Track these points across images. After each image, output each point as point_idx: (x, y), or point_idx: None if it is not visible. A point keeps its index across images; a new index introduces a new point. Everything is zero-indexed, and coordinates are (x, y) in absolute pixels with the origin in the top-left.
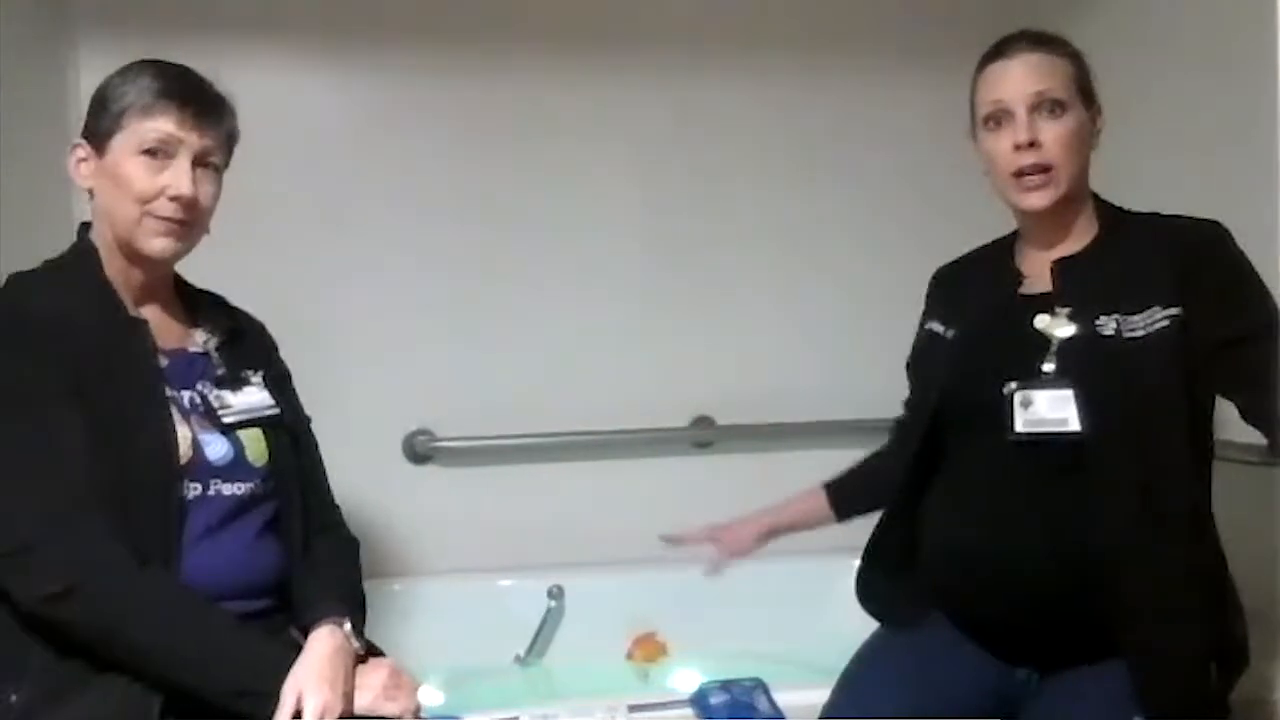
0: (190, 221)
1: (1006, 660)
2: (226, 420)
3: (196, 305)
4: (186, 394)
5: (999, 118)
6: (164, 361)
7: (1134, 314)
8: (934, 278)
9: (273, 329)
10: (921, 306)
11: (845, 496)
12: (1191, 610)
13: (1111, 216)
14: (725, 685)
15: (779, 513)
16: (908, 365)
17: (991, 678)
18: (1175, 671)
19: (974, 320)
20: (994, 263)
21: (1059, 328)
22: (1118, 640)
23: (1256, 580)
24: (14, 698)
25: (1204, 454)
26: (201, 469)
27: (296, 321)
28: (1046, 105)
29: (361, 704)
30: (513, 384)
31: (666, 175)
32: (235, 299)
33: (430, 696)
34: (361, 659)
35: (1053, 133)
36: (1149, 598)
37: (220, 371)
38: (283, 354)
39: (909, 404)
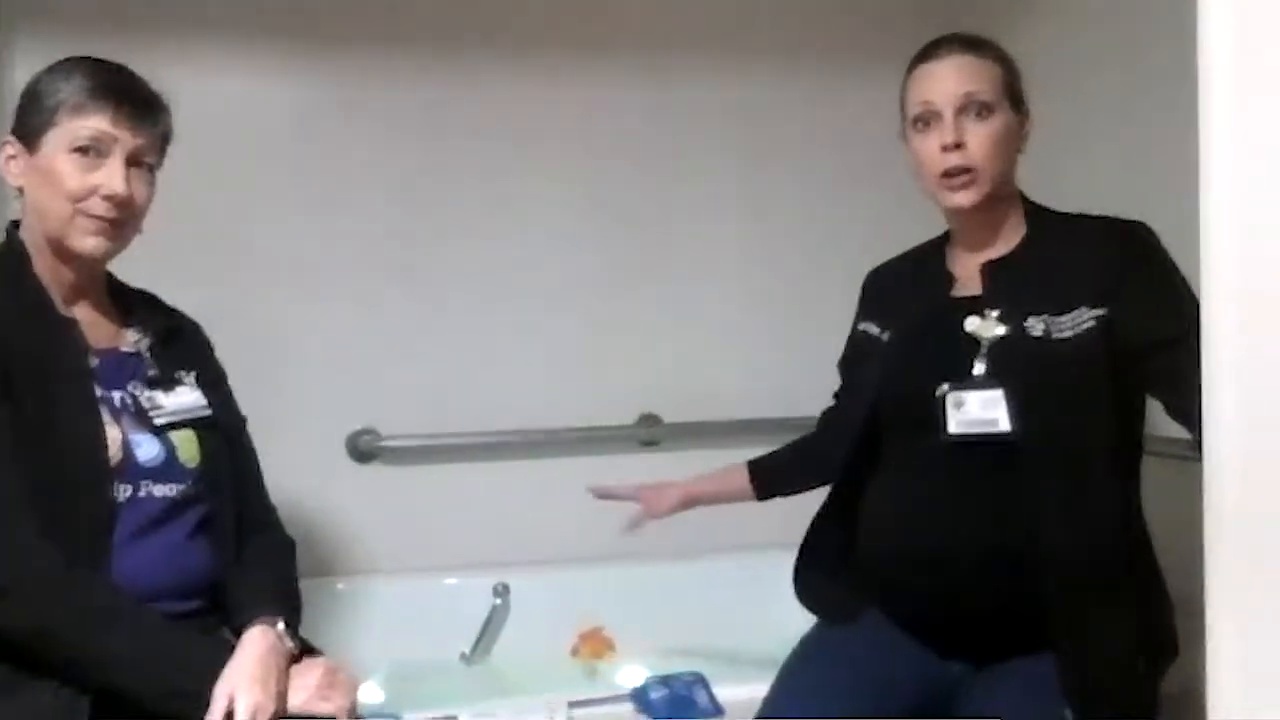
0: (123, 220)
1: (941, 654)
2: (158, 421)
3: (129, 304)
4: (118, 394)
5: (927, 119)
6: (95, 361)
7: (1062, 315)
8: (867, 278)
9: (213, 328)
10: (851, 306)
11: (767, 477)
12: (1120, 604)
13: (1039, 217)
14: (665, 680)
15: (702, 484)
16: (841, 362)
17: (926, 671)
18: (1103, 664)
19: (907, 323)
20: (926, 265)
21: (989, 330)
22: (1050, 631)
23: (1184, 573)
24: None
25: (1133, 449)
26: (132, 470)
27: (238, 321)
28: (974, 107)
29: (295, 703)
30: (458, 382)
31: (611, 173)
32: (175, 298)
33: (370, 694)
34: (296, 658)
35: (978, 135)
36: (1078, 592)
37: (152, 372)
38: (224, 353)
39: (841, 402)
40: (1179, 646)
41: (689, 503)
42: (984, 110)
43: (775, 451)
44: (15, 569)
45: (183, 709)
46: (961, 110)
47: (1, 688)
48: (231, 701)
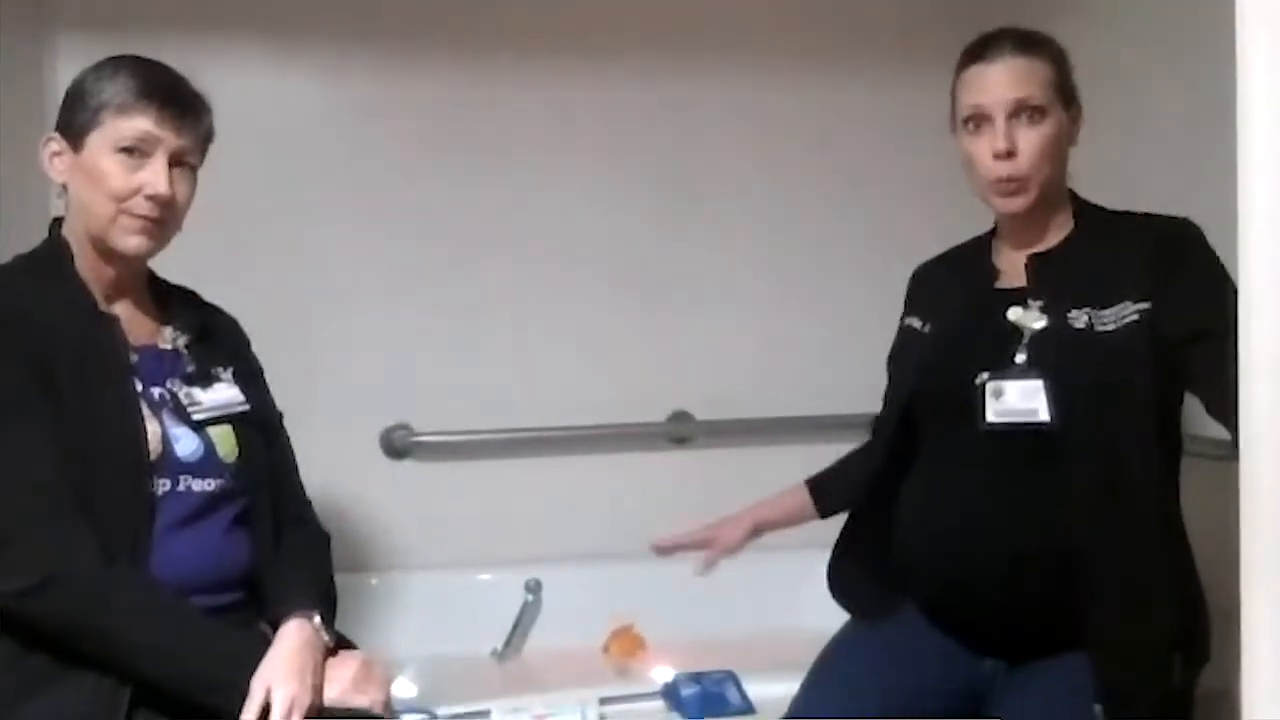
0: (165, 220)
1: (975, 651)
2: (196, 417)
3: (168, 302)
4: (156, 390)
5: (978, 121)
6: (134, 358)
7: (1105, 308)
8: (914, 275)
9: (249, 324)
10: (899, 303)
11: (828, 493)
12: (1156, 603)
13: (1087, 214)
14: (696, 677)
15: (765, 509)
16: (888, 360)
17: (960, 669)
18: (1138, 663)
19: (949, 314)
20: (971, 259)
21: (1031, 320)
22: (1085, 630)
23: (1220, 574)
24: None
25: (1172, 448)
26: (171, 465)
27: (274, 317)
28: (1026, 112)
29: (331, 696)
30: (492, 379)
31: (642, 172)
32: (211, 295)
33: (404, 689)
34: (332, 652)
35: (1030, 140)
36: (1115, 590)
37: (190, 368)
38: (259, 349)
39: (886, 398)
40: (1212, 648)
41: (758, 530)
42: (1036, 114)
43: (832, 466)
44: (56, 562)
45: (219, 701)
46: (1013, 115)
47: (43, 678)
48: (268, 694)
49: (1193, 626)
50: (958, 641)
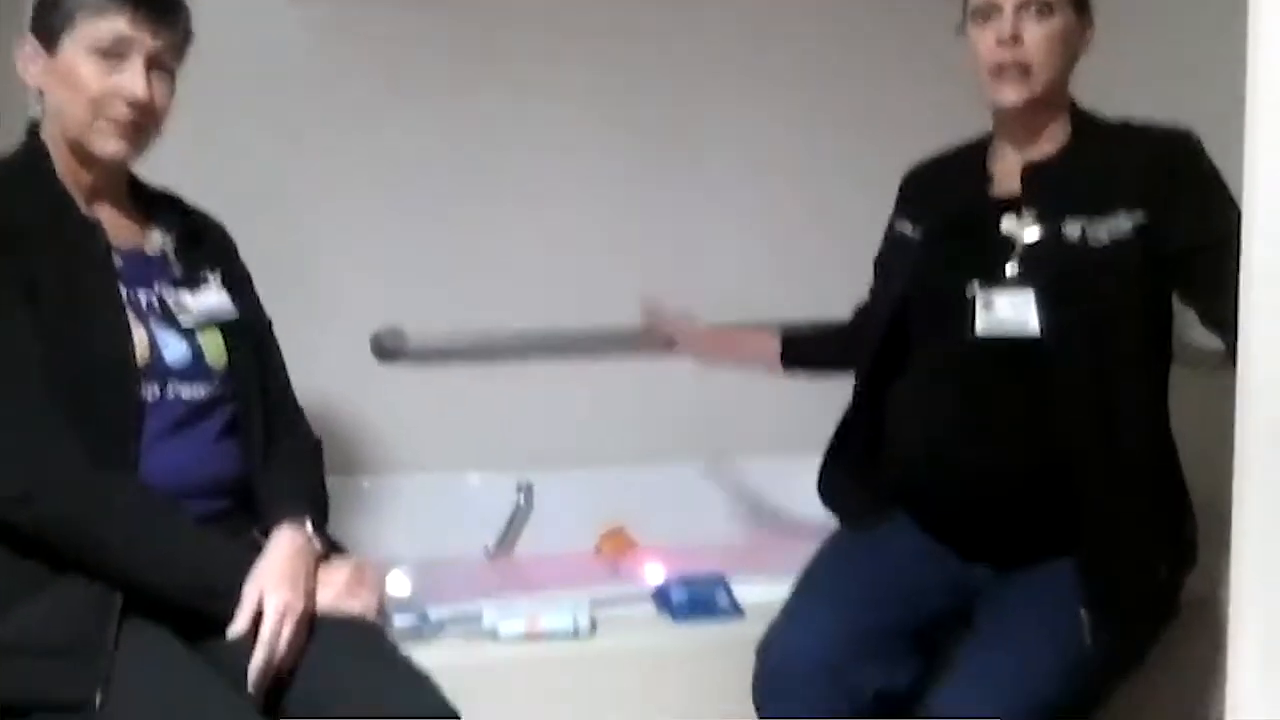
0: (144, 124)
1: (964, 557)
2: (184, 322)
3: (152, 205)
4: (143, 295)
5: (987, 12)
6: (119, 262)
7: (1100, 219)
8: (906, 176)
9: (236, 229)
10: (888, 208)
11: (796, 347)
12: (1143, 511)
13: (1085, 123)
14: (686, 581)
15: (733, 335)
16: (875, 263)
17: (949, 575)
18: (1124, 569)
19: (941, 221)
20: (965, 163)
21: (1024, 231)
22: (1073, 539)
23: (1208, 479)
24: None
25: (1163, 358)
26: (159, 371)
27: (263, 220)
28: (1035, 6)
29: (324, 602)
30: (484, 282)
31: (628, 77)
32: (198, 197)
33: (397, 584)
34: (324, 558)
35: (1036, 33)
36: (1103, 497)
37: (177, 273)
38: (250, 251)
39: (872, 299)
40: (1198, 554)
41: (718, 348)
42: (1045, 9)
43: (808, 329)
44: (44, 470)
45: (211, 607)
46: (1022, 7)
47: (34, 583)
48: (261, 600)
49: (1179, 533)
50: (947, 547)
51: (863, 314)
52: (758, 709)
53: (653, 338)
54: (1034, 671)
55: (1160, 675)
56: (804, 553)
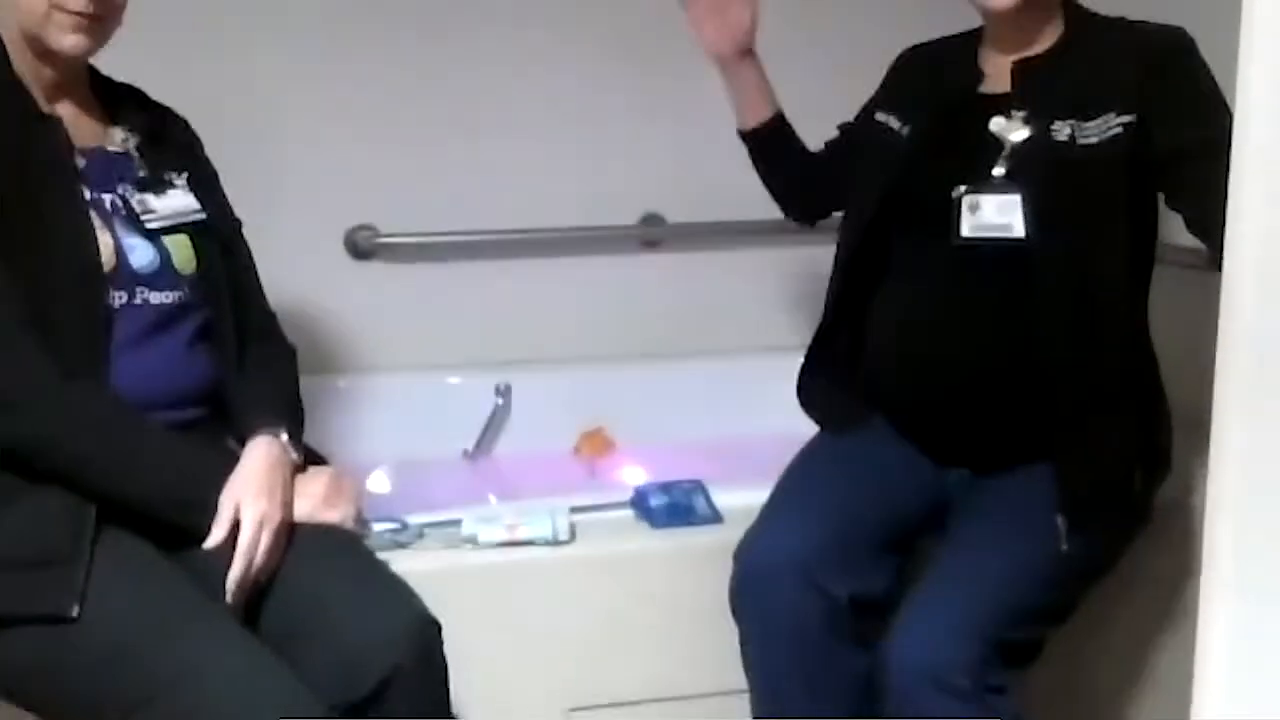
0: (103, 16)
1: (942, 462)
2: (150, 225)
3: (114, 101)
4: (107, 197)
5: None
6: (81, 162)
7: (1089, 120)
8: (898, 59)
9: (201, 124)
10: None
11: (772, 133)
12: (1121, 416)
13: (1079, 19)
14: (665, 487)
15: (753, 68)
16: (842, 125)
17: (926, 479)
18: (1100, 474)
19: (928, 118)
20: (956, 56)
21: (1013, 131)
22: (1049, 444)
23: (1186, 383)
24: None
25: (1145, 263)
26: (126, 277)
27: (230, 115)
28: None
29: (301, 513)
30: (459, 179)
31: None
32: (160, 92)
33: (377, 484)
34: (300, 468)
35: None
36: (1080, 403)
37: (142, 173)
38: (217, 149)
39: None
40: (1172, 460)
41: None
42: None
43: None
44: (13, 380)
45: (187, 519)
46: None
47: (7, 496)
48: (237, 511)
49: (1155, 439)
50: (925, 452)
51: (830, 149)
52: (734, 613)
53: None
54: (1008, 576)
55: (1132, 579)
56: (784, 455)
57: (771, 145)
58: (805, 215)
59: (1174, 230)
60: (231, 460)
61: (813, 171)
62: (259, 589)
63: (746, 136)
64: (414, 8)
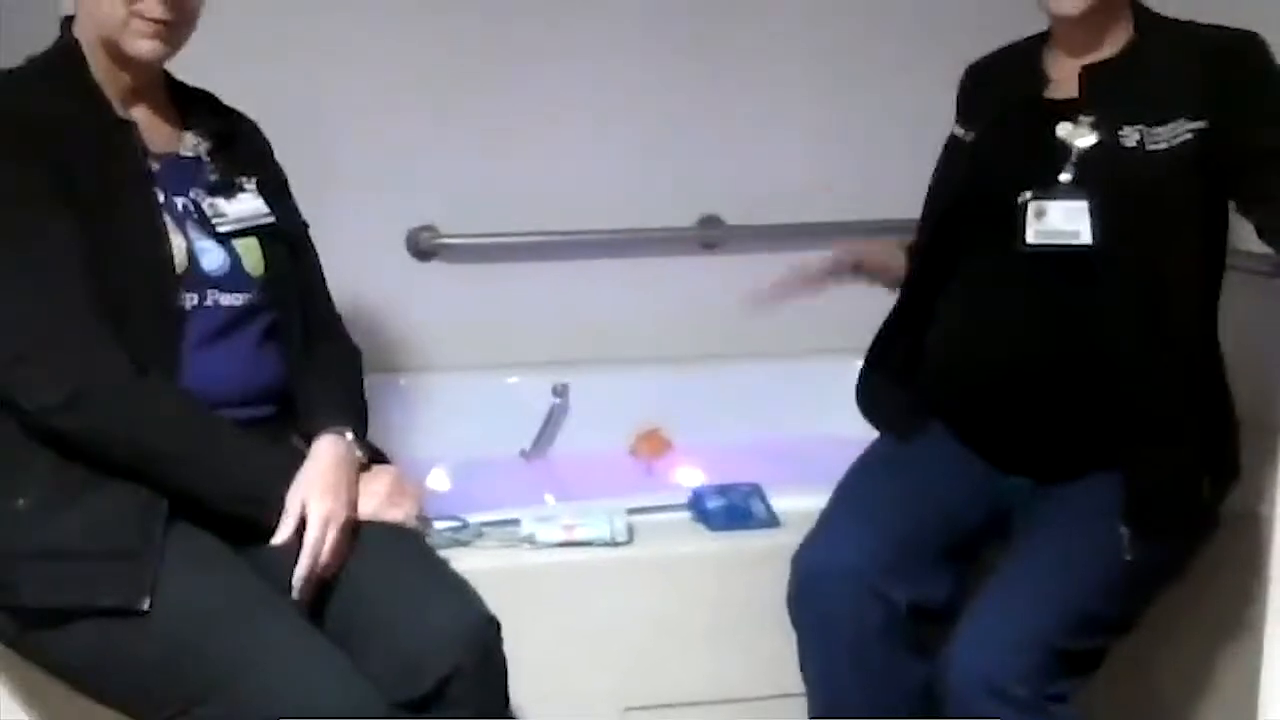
0: (178, 22)
1: (1004, 469)
2: (221, 229)
3: (187, 106)
4: (180, 200)
5: None
6: (155, 166)
7: (1158, 125)
8: (965, 74)
9: (269, 126)
10: (948, 100)
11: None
12: (1188, 425)
13: (1148, 23)
14: (722, 489)
15: (866, 245)
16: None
17: (988, 487)
18: (1166, 484)
19: (994, 124)
20: (1020, 63)
21: (1080, 137)
22: (1114, 452)
23: (1256, 388)
24: (21, 502)
25: (1215, 270)
26: (198, 279)
27: (295, 117)
28: None
29: (365, 511)
30: (519, 180)
31: None
32: (228, 96)
33: (437, 481)
34: (364, 467)
35: None
36: (1147, 411)
37: (213, 177)
38: (281, 150)
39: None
40: (1241, 468)
41: (857, 267)
42: None
43: None
44: (87, 374)
45: (254, 515)
46: None
47: (82, 487)
48: (304, 509)
49: (1224, 447)
50: (986, 459)
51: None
52: (792, 619)
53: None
54: (1071, 585)
55: (1199, 589)
56: (842, 458)
57: None
58: None
59: (1243, 235)
60: (298, 458)
61: None
62: (324, 586)
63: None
64: (476, 6)
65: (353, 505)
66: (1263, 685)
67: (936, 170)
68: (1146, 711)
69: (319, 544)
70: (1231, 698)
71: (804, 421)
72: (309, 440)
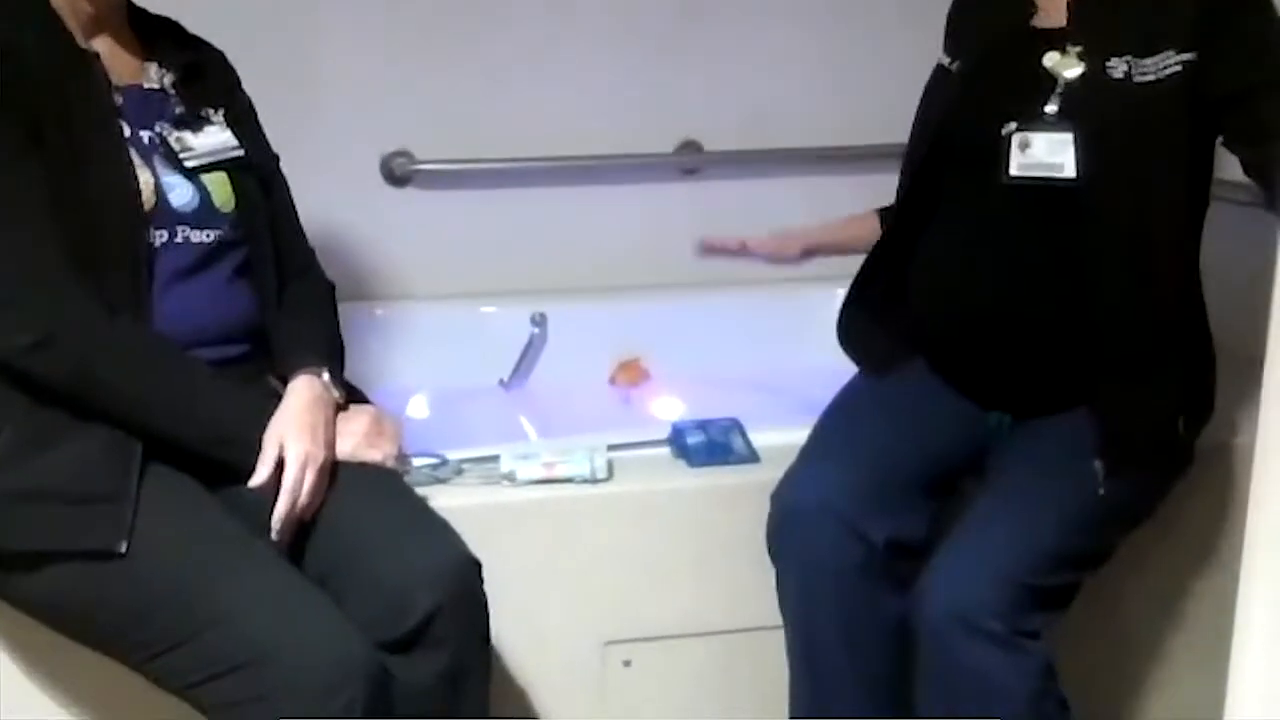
0: None
1: (982, 404)
2: (189, 164)
3: (151, 36)
4: (145, 134)
5: None
6: (119, 99)
7: (1147, 57)
8: (953, 3)
9: (234, 50)
10: (934, 22)
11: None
12: (1167, 362)
13: None
14: (702, 425)
15: (826, 232)
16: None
17: (966, 422)
18: (1141, 420)
19: (980, 53)
20: None
21: (1067, 67)
22: (1093, 388)
23: (1237, 320)
24: None
25: (1199, 205)
26: (166, 216)
27: (263, 39)
28: None
29: (343, 451)
30: (496, 105)
31: None
32: (193, 21)
33: (416, 409)
34: (342, 407)
35: None
36: (1126, 347)
37: (179, 110)
38: (248, 73)
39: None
40: (1215, 403)
41: (809, 253)
42: None
43: None
44: (55, 318)
45: (230, 457)
46: None
47: (55, 432)
48: (281, 451)
49: (1200, 384)
50: (965, 395)
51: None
52: (771, 554)
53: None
54: (1044, 521)
55: (1169, 522)
56: (822, 390)
57: None
58: None
59: (1227, 166)
60: (274, 399)
61: None
62: (302, 527)
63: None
64: None
65: (330, 446)
66: (1238, 616)
67: (922, 101)
68: (1115, 642)
69: (297, 486)
70: (1200, 629)
71: (785, 350)
72: (285, 381)
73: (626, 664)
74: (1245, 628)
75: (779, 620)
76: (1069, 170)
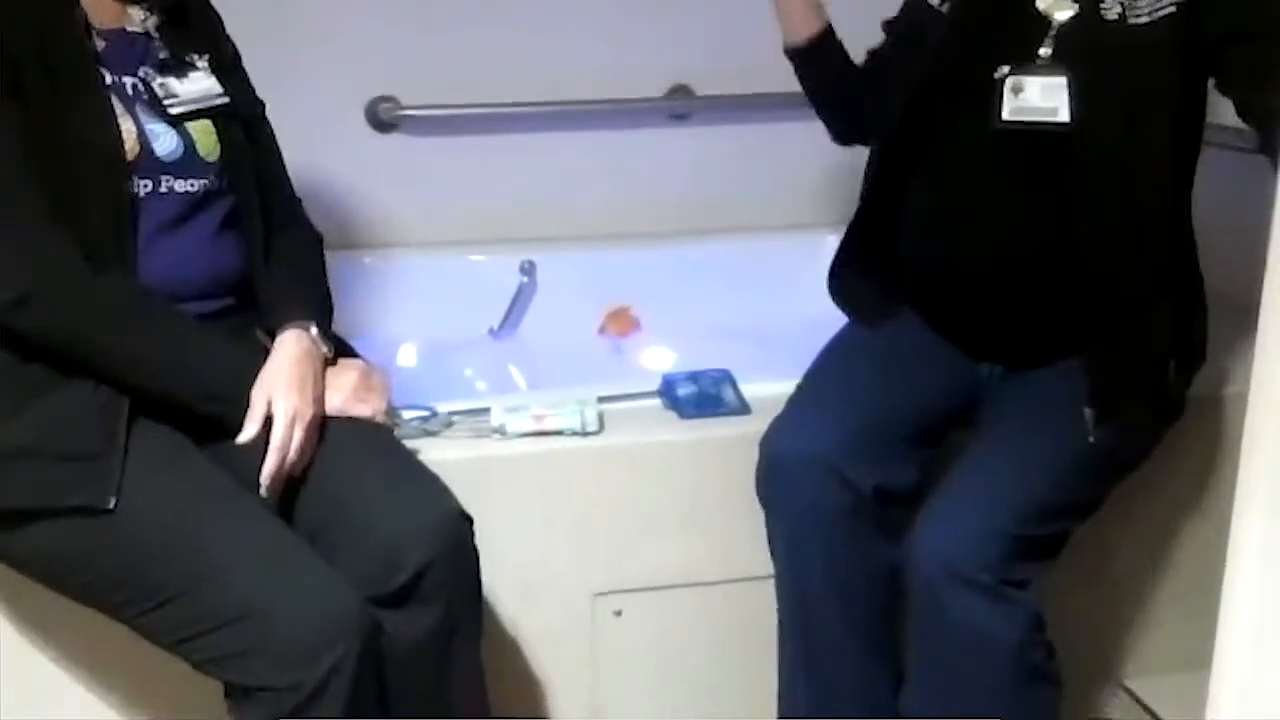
0: None
1: (973, 355)
2: (174, 111)
3: None
4: (128, 81)
5: None
6: (100, 44)
7: None
8: None
9: None
10: None
11: (826, 48)
12: (1157, 310)
13: None
14: (693, 376)
15: None
16: (886, 23)
17: (957, 373)
18: (1132, 369)
19: None
20: None
21: (1061, 9)
22: (1085, 338)
23: (1231, 267)
24: None
25: (1192, 150)
26: (150, 165)
27: None
28: None
29: (332, 406)
30: (482, 49)
31: None
32: None
33: (405, 358)
34: (330, 361)
35: None
36: (1116, 296)
37: (163, 55)
38: (231, 17)
39: (876, 64)
40: (1206, 352)
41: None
42: None
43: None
44: (38, 273)
45: (218, 412)
46: None
47: (41, 388)
48: (269, 405)
49: (1192, 331)
50: (956, 345)
51: (873, 60)
52: (761, 502)
53: None
54: (1036, 471)
55: (1158, 470)
56: (813, 339)
57: (821, 60)
58: (850, 136)
59: (1221, 111)
60: (262, 354)
61: (860, 88)
62: (292, 484)
63: (795, 53)
64: None
65: (319, 401)
66: (1229, 565)
67: (898, 34)
68: (1104, 592)
69: (286, 442)
70: (1188, 578)
71: (776, 299)
72: (273, 335)
73: (618, 614)
74: (1234, 578)
75: (770, 570)
76: (1063, 114)
